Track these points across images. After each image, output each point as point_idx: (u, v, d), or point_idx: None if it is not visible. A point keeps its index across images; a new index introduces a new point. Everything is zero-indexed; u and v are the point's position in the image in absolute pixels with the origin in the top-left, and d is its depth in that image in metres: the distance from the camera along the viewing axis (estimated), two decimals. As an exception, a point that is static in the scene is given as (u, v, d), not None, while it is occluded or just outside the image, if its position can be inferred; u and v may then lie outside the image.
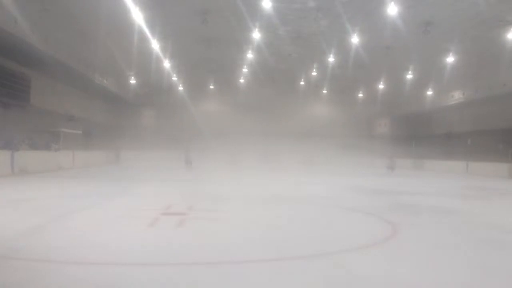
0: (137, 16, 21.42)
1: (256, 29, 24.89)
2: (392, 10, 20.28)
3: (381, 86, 40.60)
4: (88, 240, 6.46)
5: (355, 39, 25.58)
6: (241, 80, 41.33)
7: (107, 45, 26.97)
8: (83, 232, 7.01)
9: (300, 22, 24.62)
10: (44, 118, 26.08)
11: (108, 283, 4.53)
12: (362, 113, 46.71)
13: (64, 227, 7.61)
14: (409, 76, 35.30)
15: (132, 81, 40.56)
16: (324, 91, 44.80)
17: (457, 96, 37.34)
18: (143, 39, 25.57)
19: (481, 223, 8.88)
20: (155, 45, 27.23)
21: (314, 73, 37.62)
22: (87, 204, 10.47)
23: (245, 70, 36.93)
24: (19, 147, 20.23)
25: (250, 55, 31.28)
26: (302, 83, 41.96)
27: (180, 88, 43.42)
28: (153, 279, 4.70)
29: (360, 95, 45.62)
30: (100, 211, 9.50)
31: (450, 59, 28.94)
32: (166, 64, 33.01)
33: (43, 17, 21.32)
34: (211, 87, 45.18)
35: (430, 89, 40.04)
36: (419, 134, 41.82)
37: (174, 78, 39.72)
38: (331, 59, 31.14)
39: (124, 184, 16.96)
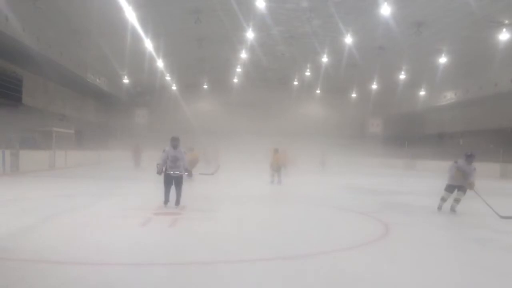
0: (130, 15, 21.30)
1: (249, 29, 24.90)
2: (385, 10, 20.42)
3: (373, 86, 40.75)
4: (80, 240, 6.43)
5: (348, 39, 25.65)
6: (235, 80, 41.31)
7: (99, 44, 26.82)
8: (75, 232, 6.98)
9: (293, 22, 24.69)
10: (36, 117, 25.85)
11: (100, 283, 4.51)
12: (355, 113, 46.83)
13: (56, 227, 7.57)
14: (402, 76, 35.46)
15: (125, 80, 40.34)
16: (317, 91, 44.93)
17: (449, 96, 37.59)
18: (136, 38, 25.45)
19: (472, 223, 8.97)
20: (148, 44, 27.12)
21: (307, 73, 37.71)
22: (80, 203, 10.42)
23: (238, 69, 36.94)
24: (10, 146, 20.05)
25: (243, 55, 31.27)
26: (295, 82, 42.09)
27: (173, 87, 43.31)
28: (145, 279, 4.69)
29: (353, 95, 45.76)
30: (93, 211, 9.44)
31: (442, 59, 29.13)
32: (159, 63, 32.88)
33: (35, 16, 21.15)
34: (205, 86, 45.09)
35: (422, 89, 40.27)
36: (412, 134, 42.01)
37: (167, 78, 39.60)
38: (324, 59, 31.23)
39: (117, 183, 16.86)
